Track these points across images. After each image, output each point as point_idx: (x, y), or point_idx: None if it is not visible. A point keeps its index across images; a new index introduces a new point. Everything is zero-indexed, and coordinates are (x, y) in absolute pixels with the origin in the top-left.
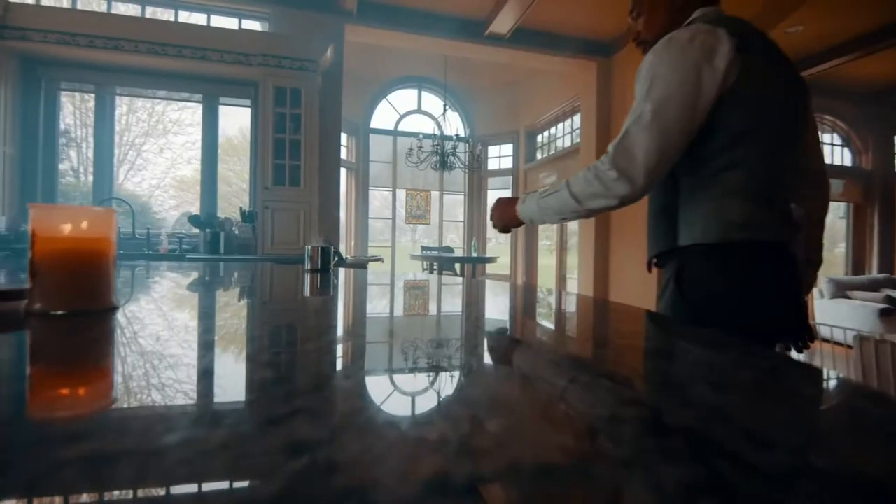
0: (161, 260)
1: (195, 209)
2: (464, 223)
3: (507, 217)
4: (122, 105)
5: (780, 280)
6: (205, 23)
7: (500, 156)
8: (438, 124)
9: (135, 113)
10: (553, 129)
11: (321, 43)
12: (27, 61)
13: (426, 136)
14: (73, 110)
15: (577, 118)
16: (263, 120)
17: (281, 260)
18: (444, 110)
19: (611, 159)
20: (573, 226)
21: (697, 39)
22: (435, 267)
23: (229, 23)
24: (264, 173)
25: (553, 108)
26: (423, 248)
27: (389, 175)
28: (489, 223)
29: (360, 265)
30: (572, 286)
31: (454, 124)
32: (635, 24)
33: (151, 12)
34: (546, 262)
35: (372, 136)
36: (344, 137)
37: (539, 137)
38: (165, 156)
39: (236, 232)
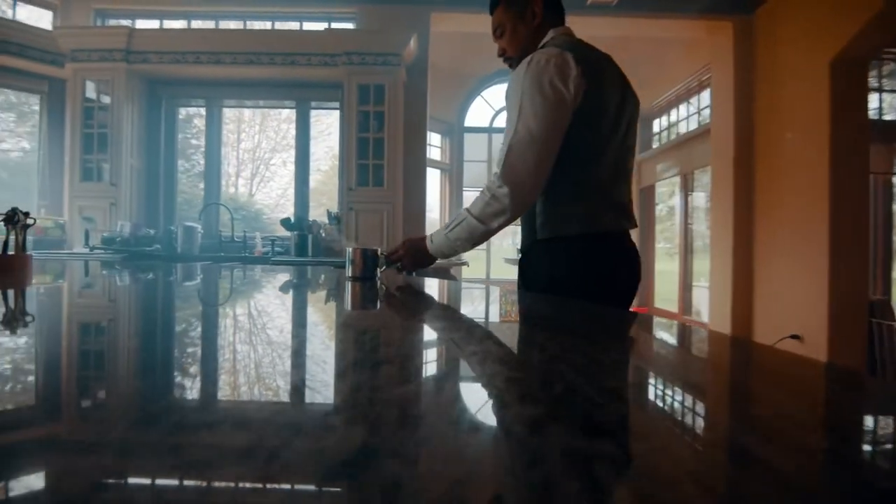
0: (253, 262)
1: (318, 215)
2: None
3: (419, 257)
4: (254, 124)
5: (619, 266)
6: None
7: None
8: None
9: (265, 132)
10: (673, 112)
11: (404, 34)
12: (150, 82)
13: None
14: (185, 123)
15: (704, 96)
16: (348, 119)
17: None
18: None
19: (501, 178)
20: (701, 225)
21: (552, 63)
22: None
23: (319, 28)
24: (349, 174)
25: (674, 86)
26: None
27: (485, 174)
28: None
29: (444, 269)
30: (701, 298)
31: None
32: (499, 42)
33: (250, 26)
34: (666, 268)
35: (467, 136)
36: (437, 138)
37: (655, 123)
38: (289, 168)
39: (323, 234)
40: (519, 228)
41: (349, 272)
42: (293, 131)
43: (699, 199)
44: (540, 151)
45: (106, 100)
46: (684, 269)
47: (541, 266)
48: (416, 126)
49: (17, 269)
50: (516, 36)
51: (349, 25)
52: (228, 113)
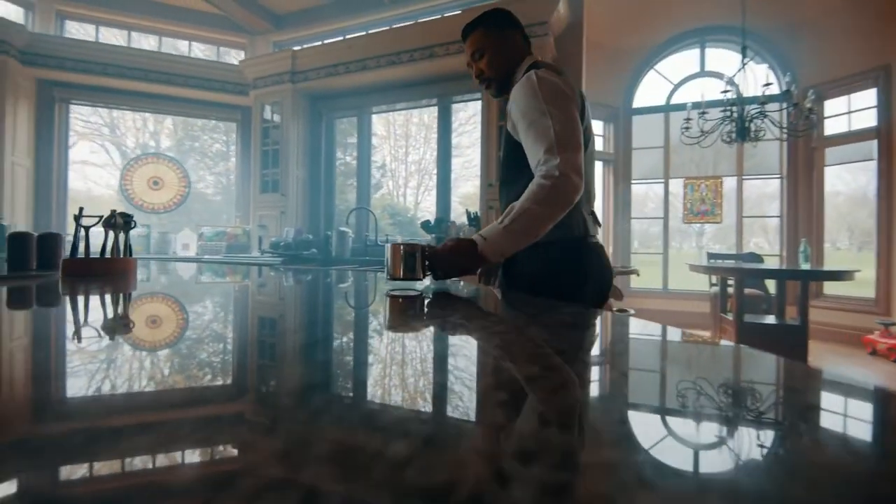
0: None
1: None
2: (781, 219)
3: (465, 262)
4: (419, 137)
5: (591, 267)
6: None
7: (850, 111)
8: (731, 83)
9: (429, 143)
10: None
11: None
12: (311, 98)
13: (711, 102)
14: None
15: None
16: (488, 107)
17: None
18: (744, 61)
19: (559, 167)
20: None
21: (562, 81)
22: (730, 283)
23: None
24: (488, 168)
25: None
26: (711, 256)
27: (659, 163)
28: (433, 269)
29: None
30: None
31: (758, 79)
32: (477, 64)
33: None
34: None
35: (636, 120)
36: (597, 126)
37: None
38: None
39: (461, 236)
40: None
41: (387, 274)
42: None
43: None
44: (580, 149)
45: (277, 119)
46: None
47: (528, 268)
48: None
49: (118, 272)
50: (497, 59)
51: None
52: (399, 129)
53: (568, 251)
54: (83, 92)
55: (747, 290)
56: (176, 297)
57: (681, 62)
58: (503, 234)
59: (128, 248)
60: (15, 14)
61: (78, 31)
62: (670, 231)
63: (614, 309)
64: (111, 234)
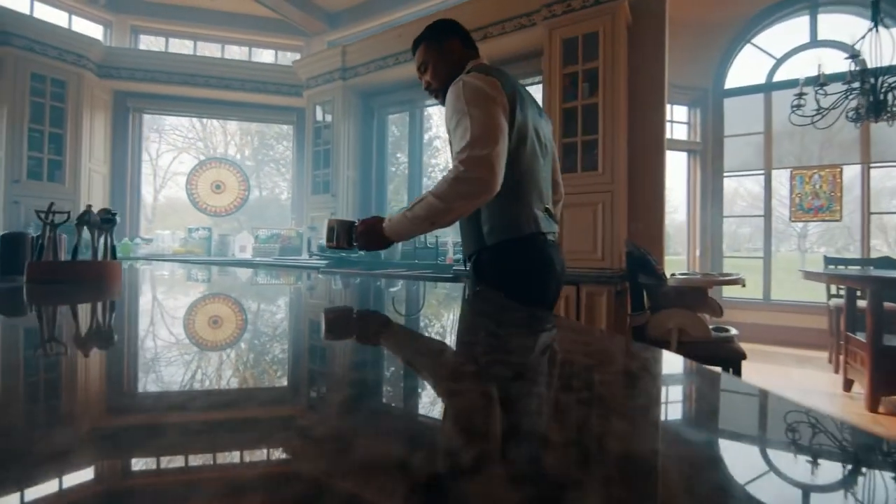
0: (442, 270)
1: None
2: None
3: (375, 238)
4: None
5: (543, 264)
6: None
7: None
8: (854, 55)
9: None
10: None
11: None
12: (363, 95)
13: (831, 76)
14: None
15: None
16: (549, 87)
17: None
18: (876, 24)
19: (466, 164)
20: None
21: (485, 82)
22: (858, 294)
23: None
24: None
25: None
26: (830, 261)
27: (758, 151)
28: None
29: (700, 289)
30: None
31: (888, 47)
32: (423, 76)
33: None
34: None
35: (728, 103)
36: (681, 112)
37: None
38: None
39: None
40: None
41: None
42: None
43: None
44: (498, 145)
45: (329, 119)
46: None
47: (490, 269)
48: (646, 85)
49: (94, 277)
50: (439, 70)
51: None
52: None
53: (518, 249)
54: (153, 101)
55: (886, 305)
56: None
57: (785, 33)
58: (402, 218)
59: (109, 250)
60: (95, 31)
61: (150, 44)
62: (765, 231)
63: (710, 327)
64: (95, 234)
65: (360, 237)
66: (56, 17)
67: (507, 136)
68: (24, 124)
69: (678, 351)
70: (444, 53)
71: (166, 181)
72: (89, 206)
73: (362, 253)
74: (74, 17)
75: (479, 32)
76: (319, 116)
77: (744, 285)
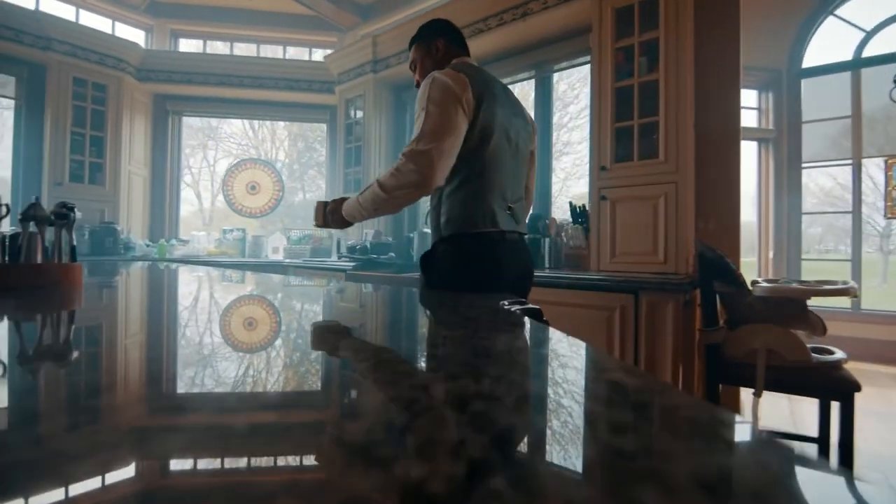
0: None
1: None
2: None
3: (337, 218)
4: None
5: (506, 262)
6: None
7: None
8: None
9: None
10: None
11: None
12: (395, 89)
13: None
14: None
15: None
16: (600, 65)
17: (621, 285)
18: None
19: (408, 156)
20: None
21: (450, 78)
22: None
23: None
24: (601, 145)
25: None
26: None
27: (843, 139)
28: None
29: (795, 300)
30: None
31: None
32: (415, 74)
33: None
34: None
35: (806, 84)
36: (751, 96)
37: None
38: (559, 175)
39: (563, 238)
40: None
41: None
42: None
43: None
44: (443, 142)
45: (360, 115)
46: None
47: (442, 261)
48: (716, 57)
49: (47, 282)
50: (426, 68)
51: None
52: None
53: (469, 244)
54: (191, 103)
55: None
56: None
57: (875, 1)
58: (353, 202)
59: (60, 250)
60: (137, 37)
61: (189, 47)
62: (836, 230)
63: (809, 346)
64: (45, 232)
65: (328, 216)
66: (100, 24)
67: (459, 134)
68: (66, 128)
69: (767, 377)
70: (430, 52)
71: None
72: (36, 199)
73: (392, 254)
74: (118, 24)
75: (519, 10)
76: (351, 113)
77: (856, 295)
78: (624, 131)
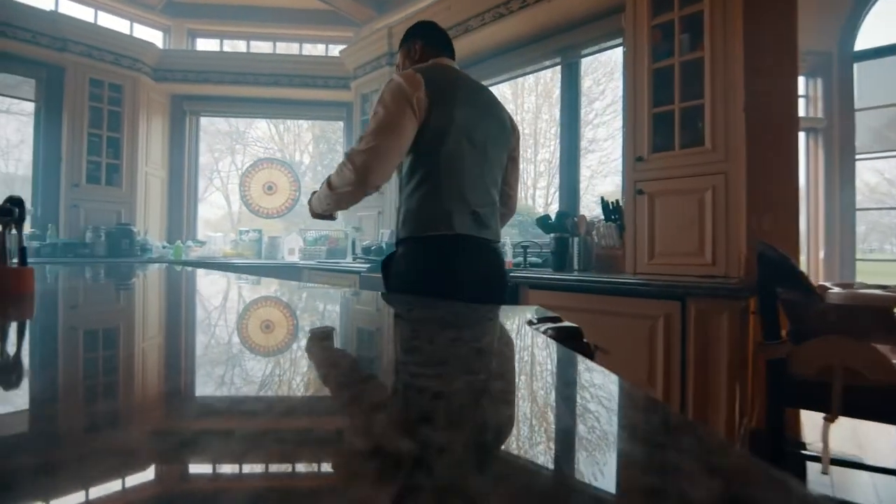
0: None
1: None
2: None
3: (310, 209)
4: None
5: (464, 266)
6: None
7: None
8: None
9: (561, 139)
10: None
11: None
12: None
13: None
14: None
15: None
16: (635, 43)
17: (667, 291)
18: None
19: (348, 156)
20: None
21: (404, 79)
22: None
23: None
24: (636, 135)
25: None
26: None
27: (887, 130)
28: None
29: (879, 309)
30: None
31: None
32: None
33: None
34: None
35: (860, 68)
36: (798, 83)
37: None
38: (583, 173)
39: (595, 236)
40: None
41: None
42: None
43: None
44: (382, 142)
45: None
46: None
47: (397, 264)
48: (768, 33)
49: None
50: (404, 69)
51: None
52: (527, 128)
53: (423, 247)
54: (208, 103)
55: None
56: None
57: None
58: (315, 195)
59: (5, 252)
60: (155, 37)
61: (207, 47)
62: (882, 227)
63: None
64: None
65: (309, 206)
66: (119, 25)
67: (402, 133)
68: (83, 129)
69: (844, 399)
70: (410, 54)
71: (240, 186)
72: None
73: None
74: (136, 25)
75: None
76: (367, 109)
77: None
78: (663, 117)
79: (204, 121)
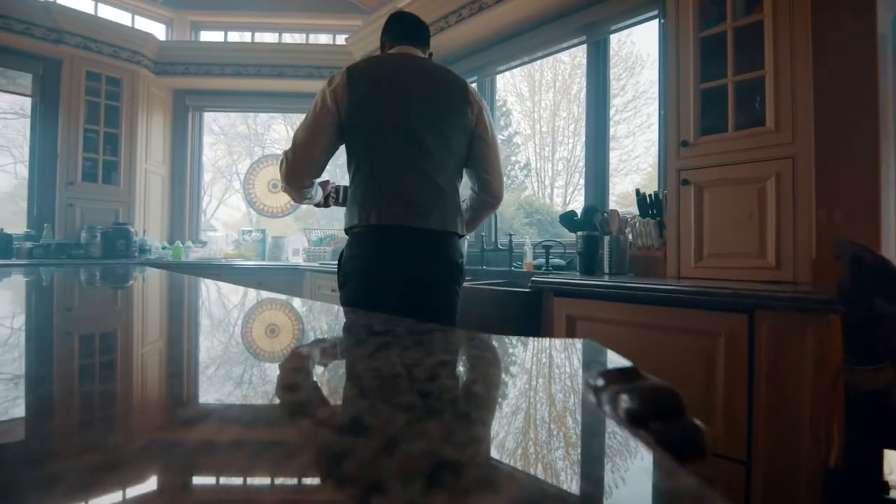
0: (518, 280)
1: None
2: None
3: None
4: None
5: (395, 258)
6: None
7: None
8: None
9: (579, 135)
10: None
11: None
12: None
13: None
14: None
15: None
16: (678, 14)
17: (730, 301)
18: None
19: (284, 151)
20: None
21: (332, 78)
22: None
23: None
24: (680, 116)
25: None
26: None
27: None
28: None
29: None
30: None
31: None
32: None
33: None
34: None
35: None
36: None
37: None
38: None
39: (629, 234)
40: None
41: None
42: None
43: None
44: (299, 139)
45: None
46: None
47: (341, 256)
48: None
49: None
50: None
51: None
52: (545, 126)
53: (351, 240)
54: (211, 98)
55: None
56: None
57: None
58: None
59: None
60: (157, 30)
61: (210, 39)
62: None
63: None
64: None
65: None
66: (120, 17)
67: (320, 129)
68: (79, 125)
69: None
70: (383, 49)
71: (244, 185)
72: None
73: None
74: (137, 18)
75: None
76: None
77: None
78: (712, 94)
79: (223, 122)
